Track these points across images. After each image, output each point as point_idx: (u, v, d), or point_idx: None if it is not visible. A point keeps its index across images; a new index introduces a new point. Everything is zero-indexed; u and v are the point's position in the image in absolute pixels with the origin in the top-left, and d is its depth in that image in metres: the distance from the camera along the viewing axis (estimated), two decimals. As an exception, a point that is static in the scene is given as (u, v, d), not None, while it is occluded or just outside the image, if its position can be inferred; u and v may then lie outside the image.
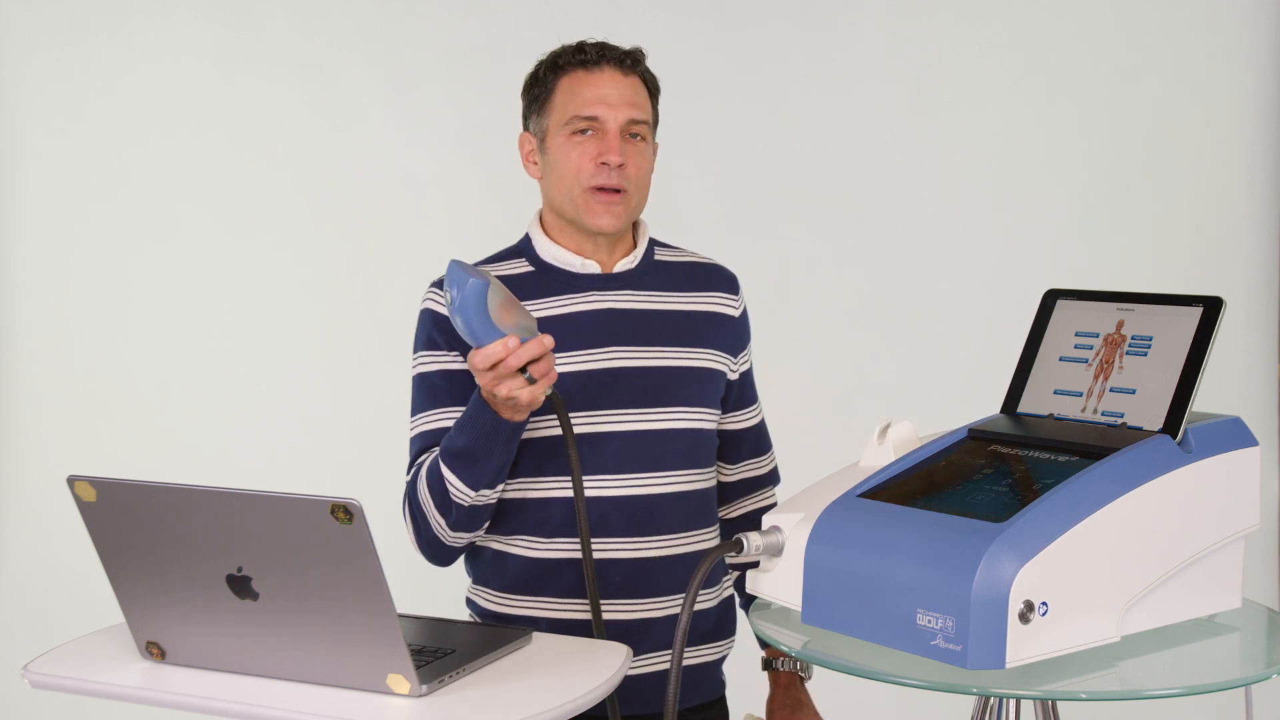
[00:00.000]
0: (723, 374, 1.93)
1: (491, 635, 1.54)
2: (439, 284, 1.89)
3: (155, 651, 1.45)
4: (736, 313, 1.96)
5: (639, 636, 1.82)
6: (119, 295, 3.25)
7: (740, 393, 1.98)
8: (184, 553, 1.37)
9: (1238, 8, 3.31)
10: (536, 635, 1.56)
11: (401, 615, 1.37)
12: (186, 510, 1.35)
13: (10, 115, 3.20)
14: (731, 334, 1.95)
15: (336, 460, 3.27)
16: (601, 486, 1.81)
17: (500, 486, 1.77)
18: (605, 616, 1.81)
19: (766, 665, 2.01)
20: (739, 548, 1.39)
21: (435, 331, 1.86)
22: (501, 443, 1.70)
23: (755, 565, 1.45)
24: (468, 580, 1.95)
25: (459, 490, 1.73)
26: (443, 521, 1.77)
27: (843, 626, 1.33)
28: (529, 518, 1.84)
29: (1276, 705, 3.04)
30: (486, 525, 1.82)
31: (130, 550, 1.40)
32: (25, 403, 3.24)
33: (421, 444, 1.84)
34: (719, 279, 1.97)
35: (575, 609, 1.83)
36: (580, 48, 1.87)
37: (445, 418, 1.82)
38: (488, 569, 1.89)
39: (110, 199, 3.23)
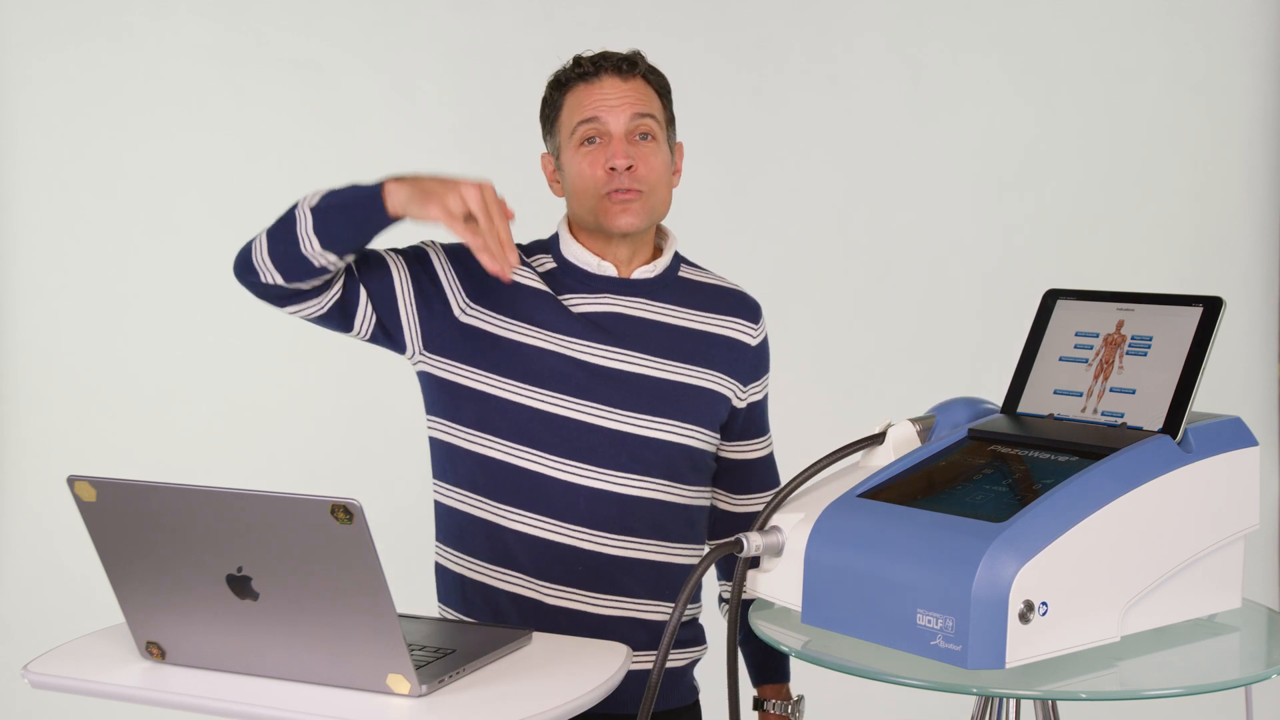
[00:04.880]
0: (725, 398, 1.92)
1: (491, 635, 1.54)
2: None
3: (155, 651, 1.45)
4: (754, 341, 1.96)
5: (595, 633, 1.82)
6: (119, 295, 3.25)
7: (748, 422, 1.98)
8: (184, 553, 1.37)
9: (1238, 8, 3.31)
10: (536, 635, 1.56)
11: (401, 615, 1.37)
12: (186, 510, 1.35)
13: (11, 116, 3.20)
14: (745, 362, 1.94)
15: (337, 460, 3.27)
16: (578, 474, 1.82)
17: (335, 261, 1.75)
18: (565, 605, 1.84)
19: (757, 705, 2.01)
20: (739, 547, 1.39)
21: (445, 253, 1.91)
22: (367, 216, 1.72)
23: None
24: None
25: (305, 233, 1.73)
26: (264, 241, 1.77)
27: (843, 626, 1.33)
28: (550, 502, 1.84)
29: (1276, 705, 3.04)
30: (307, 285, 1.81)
31: (130, 550, 1.40)
32: (25, 403, 3.24)
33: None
34: (740, 305, 1.97)
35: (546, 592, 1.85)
36: (577, 61, 1.90)
37: (389, 253, 1.88)
38: (473, 537, 1.88)
39: (110, 199, 3.23)
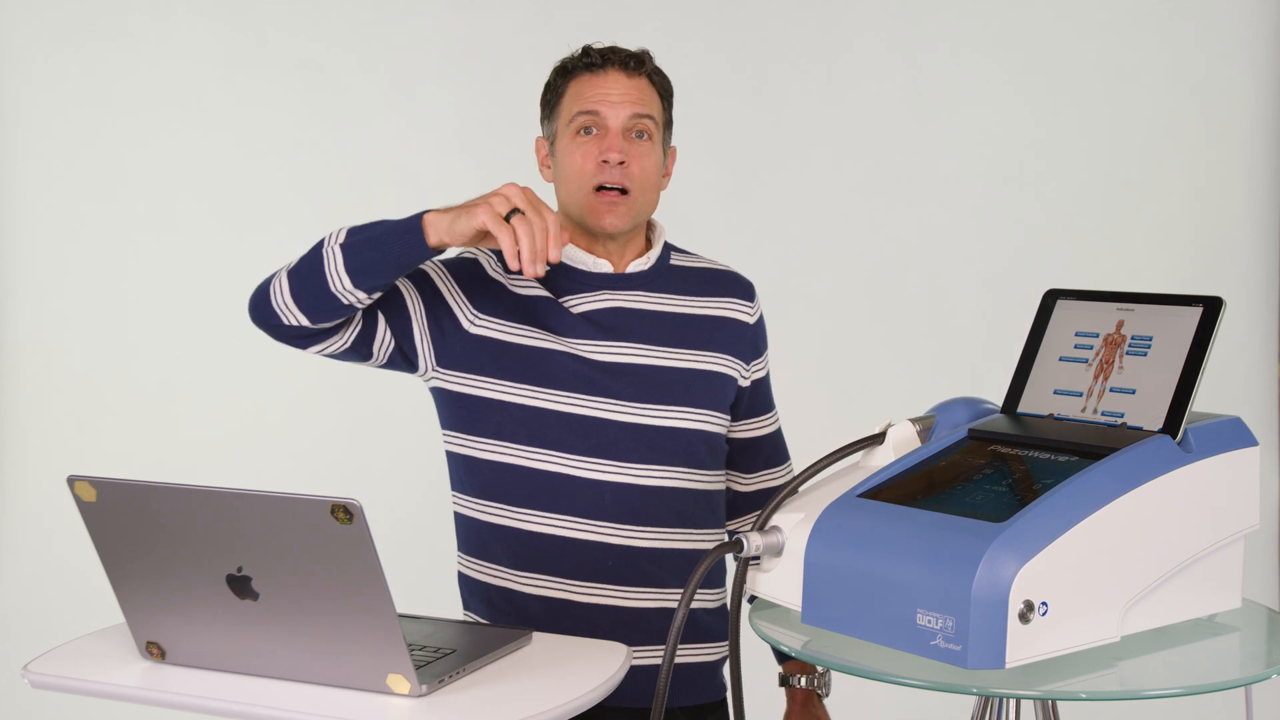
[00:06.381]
0: (731, 379, 1.93)
1: (491, 635, 1.54)
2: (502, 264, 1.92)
3: (155, 651, 1.45)
4: (751, 319, 1.97)
5: (630, 626, 1.83)
6: (119, 295, 3.25)
7: (754, 400, 1.99)
8: (184, 553, 1.37)
9: (1237, 8, 3.31)
10: (536, 635, 1.56)
11: (401, 615, 1.37)
12: (186, 510, 1.35)
13: (12, 116, 3.20)
14: (745, 340, 1.96)
15: (337, 460, 3.26)
16: (600, 470, 1.83)
17: (363, 298, 1.73)
18: (598, 601, 1.83)
19: (783, 682, 2.01)
20: (739, 548, 1.39)
21: (446, 268, 1.89)
22: (406, 248, 1.68)
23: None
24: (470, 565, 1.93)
25: (335, 271, 1.71)
26: (285, 283, 1.75)
27: (843, 626, 1.33)
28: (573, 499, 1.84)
29: (1276, 705, 3.04)
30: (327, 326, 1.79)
31: (130, 550, 1.40)
32: (25, 403, 3.24)
33: None
34: (734, 286, 1.98)
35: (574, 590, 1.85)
36: (586, 51, 1.90)
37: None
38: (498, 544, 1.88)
39: (111, 199, 3.23)
